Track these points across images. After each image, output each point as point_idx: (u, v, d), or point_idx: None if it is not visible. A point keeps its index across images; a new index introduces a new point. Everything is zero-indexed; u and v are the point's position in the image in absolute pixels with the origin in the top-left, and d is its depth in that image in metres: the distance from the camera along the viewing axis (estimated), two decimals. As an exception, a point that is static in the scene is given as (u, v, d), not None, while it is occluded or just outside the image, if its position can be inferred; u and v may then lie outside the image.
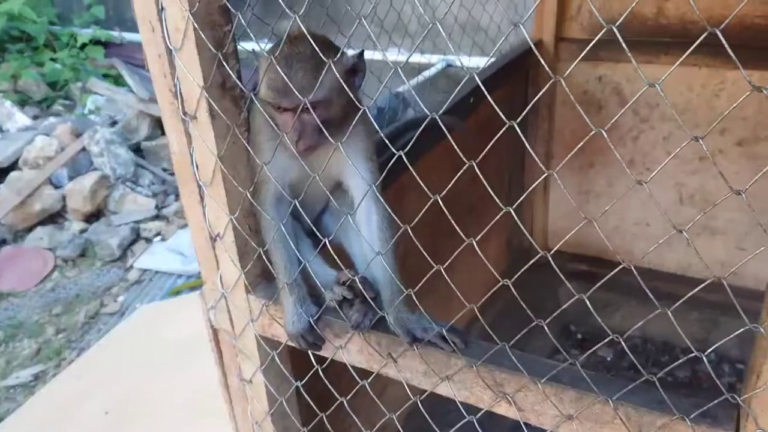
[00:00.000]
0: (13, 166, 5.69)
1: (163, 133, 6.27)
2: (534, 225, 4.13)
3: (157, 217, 5.44)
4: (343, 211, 1.55)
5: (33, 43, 7.60)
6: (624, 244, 4.01)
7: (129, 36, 8.01)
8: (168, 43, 1.27)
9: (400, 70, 1.04)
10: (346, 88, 1.21)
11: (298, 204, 1.31)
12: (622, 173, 3.79)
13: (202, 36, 1.22)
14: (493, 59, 3.58)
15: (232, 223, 1.41)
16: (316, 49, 1.19)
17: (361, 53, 1.42)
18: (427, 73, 5.96)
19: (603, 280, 1.20)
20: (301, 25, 1.09)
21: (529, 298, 1.24)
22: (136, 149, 6.15)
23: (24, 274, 4.84)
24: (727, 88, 3.31)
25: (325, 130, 1.24)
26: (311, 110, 1.22)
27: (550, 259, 1.05)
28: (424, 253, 1.18)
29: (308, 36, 1.25)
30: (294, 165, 1.43)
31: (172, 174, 6.03)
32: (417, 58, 6.00)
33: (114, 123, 6.38)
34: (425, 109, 1.04)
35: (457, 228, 1.12)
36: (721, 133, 3.40)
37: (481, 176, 1.06)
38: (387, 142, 1.17)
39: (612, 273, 1.09)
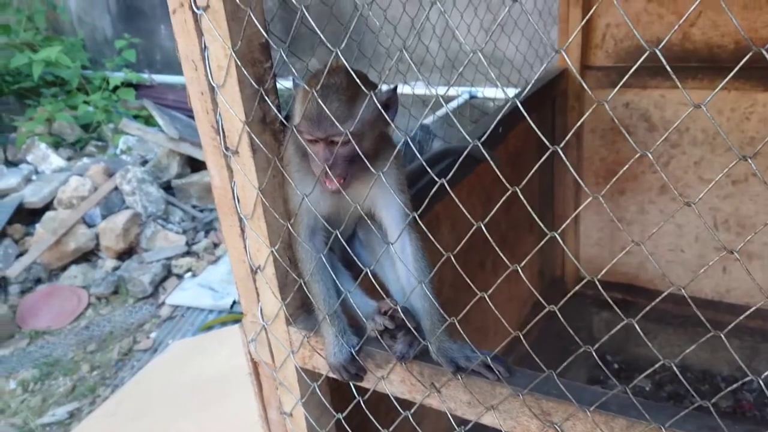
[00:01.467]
0: (48, 206, 5.83)
1: (193, 171, 6.41)
2: (565, 253, 4.09)
3: (187, 254, 5.50)
4: (373, 240, 1.56)
5: (67, 87, 7.85)
6: (658, 271, 3.95)
7: (159, 78, 8.24)
8: (211, 81, 1.31)
9: (442, 100, 1.05)
10: (387, 117, 1.23)
11: (338, 235, 1.32)
12: (655, 199, 3.76)
13: (244, 72, 1.25)
14: (515, 89, 3.60)
15: (273, 256, 1.43)
16: (355, 79, 1.22)
17: (395, 88, 1.44)
18: (451, 105, 6.01)
19: (649, 306, 1.18)
20: (341, 57, 1.12)
21: (562, 327, 1.23)
22: (167, 187, 6.26)
23: (59, 312, 4.91)
24: (757, 111, 3.28)
25: (365, 159, 1.25)
26: (351, 139, 1.24)
27: (597, 283, 1.04)
28: (468, 281, 1.17)
29: (347, 67, 1.27)
30: (325, 196, 1.45)
31: (202, 211, 6.12)
32: (441, 89, 6.06)
33: (145, 162, 6.52)
34: (468, 138, 1.05)
35: (501, 254, 1.12)
36: (753, 156, 3.36)
37: (524, 201, 1.06)
38: (429, 171, 1.18)
39: (662, 296, 1.08)
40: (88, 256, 5.52)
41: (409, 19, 2.74)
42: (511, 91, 4.74)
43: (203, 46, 1.28)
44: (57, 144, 7.09)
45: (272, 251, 1.42)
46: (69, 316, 4.88)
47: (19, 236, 5.60)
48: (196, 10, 1.24)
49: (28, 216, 5.78)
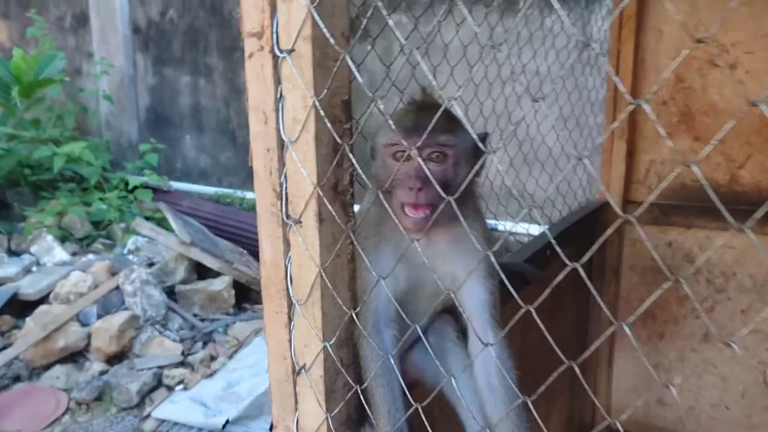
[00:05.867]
0: (44, 299, 5.53)
1: (199, 278, 6.17)
2: (596, 400, 3.75)
3: (182, 364, 5.12)
4: (446, 346, 1.31)
5: (84, 184, 7.81)
6: (699, 428, 3.59)
7: (176, 185, 8.29)
8: (282, 135, 1.13)
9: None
10: (481, 148, 1.04)
11: (417, 329, 1.07)
12: (697, 347, 3.49)
13: (327, 124, 1.08)
14: (543, 225, 3.47)
15: (326, 352, 1.17)
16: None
17: (486, 133, 1.35)
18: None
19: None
20: (440, 91, 0.95)
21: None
22: (170, 292, 5.99)
23: (33, 415, 4.47)
24: (812, 261, 3.11)
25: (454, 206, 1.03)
26: (448, 149, 1.08)
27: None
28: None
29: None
30: (401, 266, 1.22)
31: (203, 320, 5.80)
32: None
33: (151, 264, 6.31)
34: (546, 230, 0.85)
35: (563, 358, 0.87)
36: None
37: (590, 286, 0.83)
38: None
39: None
40: (75, 356, 5.13)
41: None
42: (535, 228, 4.62)
43: (279, 95, 1.12)
44: (64, 238, 6.91)
45: (326, 346, 1.16)
46: (43, 421, 4.42)
47: (6, 328, 5.25)
48: (278, 53, 1.09)
49: (20, 308, 5.46)
